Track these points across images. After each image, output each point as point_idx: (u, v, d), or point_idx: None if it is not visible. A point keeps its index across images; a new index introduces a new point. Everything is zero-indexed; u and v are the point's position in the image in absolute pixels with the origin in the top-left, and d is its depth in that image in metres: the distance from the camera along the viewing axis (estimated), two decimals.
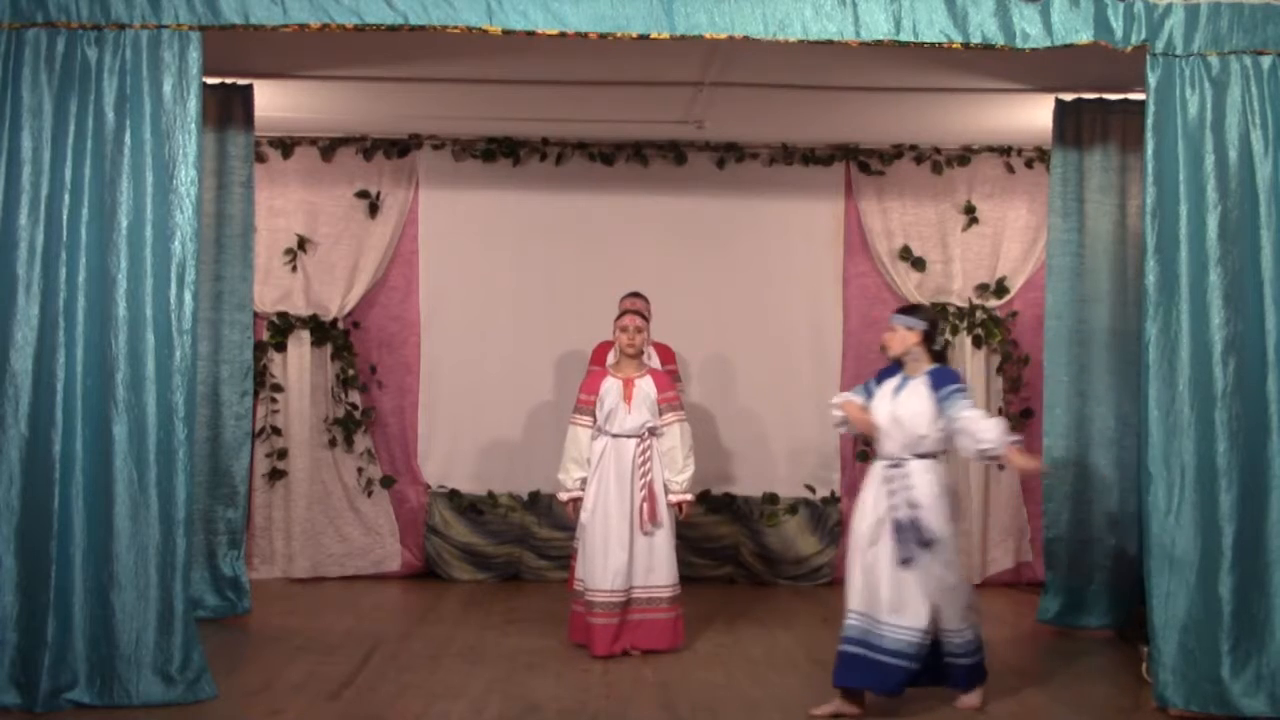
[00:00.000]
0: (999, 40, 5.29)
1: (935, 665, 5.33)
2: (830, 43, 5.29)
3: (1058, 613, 6.89)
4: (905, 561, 5.11)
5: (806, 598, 7.91)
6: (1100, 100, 6.79)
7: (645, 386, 6.37)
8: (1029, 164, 8.46)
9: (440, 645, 6.41)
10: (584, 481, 6.33)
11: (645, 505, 6.24)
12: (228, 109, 6.81)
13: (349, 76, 6.77)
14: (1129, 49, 5.34)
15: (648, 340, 6.73)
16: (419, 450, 8.39)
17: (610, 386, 6.38)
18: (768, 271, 8.44)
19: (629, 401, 6.32)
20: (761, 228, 8.50)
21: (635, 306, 6.94)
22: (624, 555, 6.20)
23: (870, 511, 5.25)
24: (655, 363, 7.06)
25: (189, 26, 5.20)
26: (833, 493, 8.47)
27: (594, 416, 6.38)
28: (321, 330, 8.29)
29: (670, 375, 6.99)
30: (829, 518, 8.43)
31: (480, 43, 5.51)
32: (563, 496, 6.44)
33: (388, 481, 8.35)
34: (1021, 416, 8.40)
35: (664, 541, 6.29)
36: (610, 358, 6.98)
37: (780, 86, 6.94)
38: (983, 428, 5.12)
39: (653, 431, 6.33)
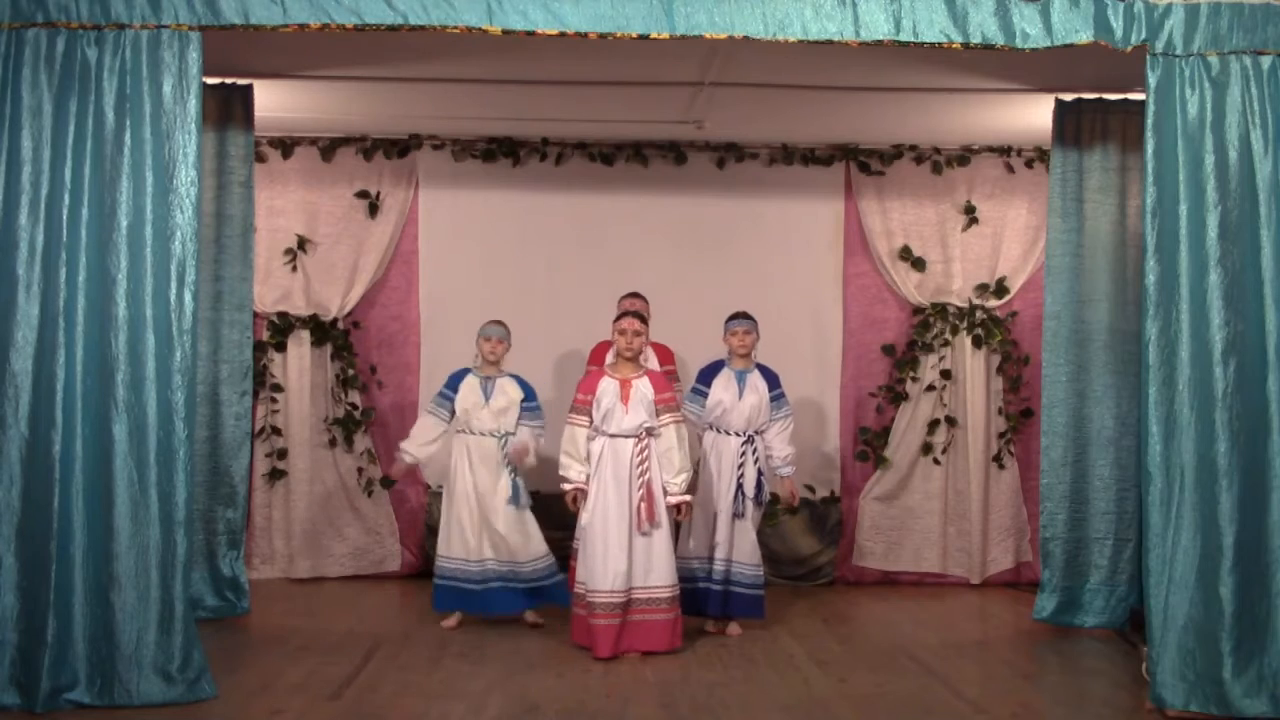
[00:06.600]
0: (999, 40, 5.29)
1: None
2: (830, 43, 5.29)
3: (1053, 611, 6.88)
4: (739, 515, 6.76)
5: (806, 598, 7.91)
6: (1100, 100, 6.79)
7: (642, 388, 6.37)
8: (1029, 164, 8.46)
9: (440, 645, 6.41)
10: (587, 476, 6.34)
11: (643, 505, 6.24)
12: (228, 109, 6.81)
13: (349, 76, 6.77)
14: (1129, 49, 5.34)
15: (646, 342, 6.73)
16: None
17: (607, 387, 6.38)
18: (768, 272, 8.44)
19: (626, 402, 6.32)
20: (761, 228, 8.51)
21: (635, 308, 6.96)
22: (624, 556, 6.20)
23: (730, 477, 6.72)
24: (654, 363, 7.06)
25: (189, 26, 5.20)
26: (833, 493, 8.48)
27: (590, 416, 6.38)
28: (321, 330, 8.30)
29: (668, 376, 7.00)
30: (829, 518, 8.44)
31: (480, 43, 5.52)
32: (565, 486, 6.43)
33: (388, 482, 8.35)
34: (1021, 416, 8.41)
35: (662, 542, 6.29)
36: (608, 358, 6.98)
37: (780, 86, 6.95)
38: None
39: (650, 432, 6.33)
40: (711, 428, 6.86)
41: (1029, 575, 8.26)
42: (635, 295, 7.45)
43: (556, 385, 8.29)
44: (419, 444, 6.95)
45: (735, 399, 6.81)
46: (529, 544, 6.82)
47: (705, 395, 6.87)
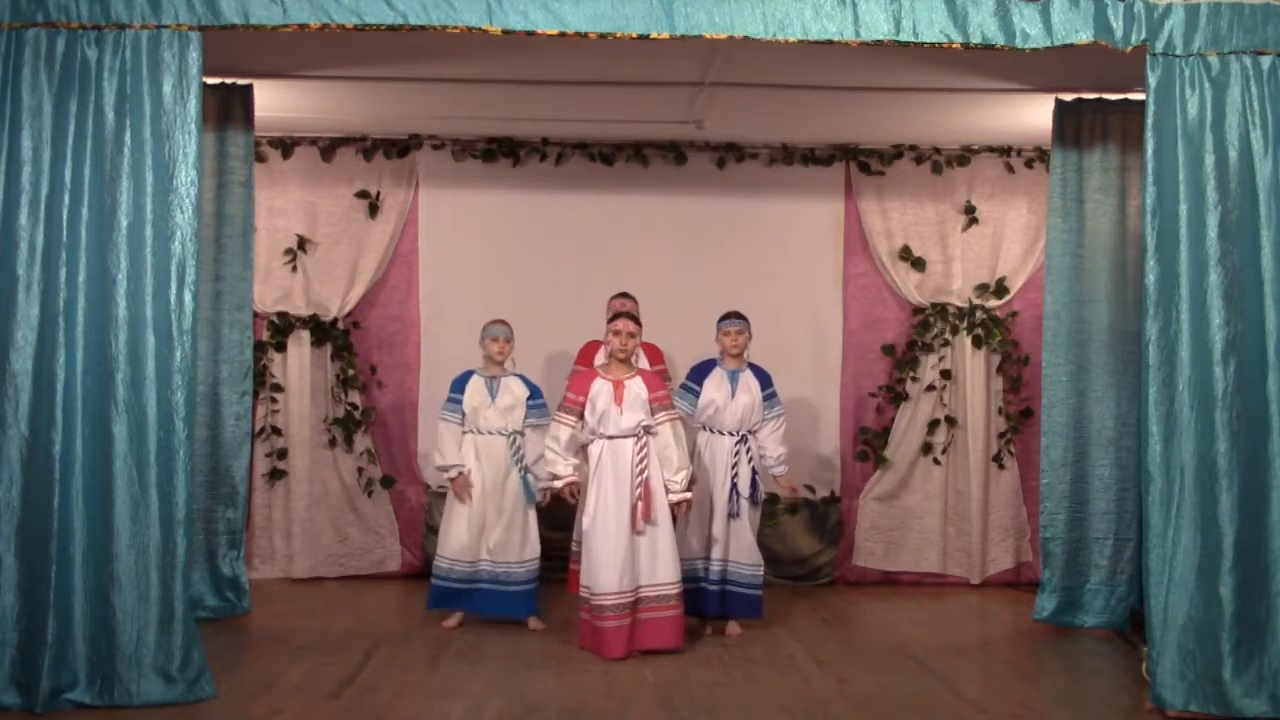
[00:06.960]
0: (999, 40, 5.29)
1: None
2: (830, 43, 5.29)
3: (1053, 612, 6.88)
4: (734, 514, 6.76)
5: (806, 598, 7.91)
6: (1100, 100, 6.79)
7: (636, 388, 6.37)
8: (1029, 164, 8.46)
9: (440, 645, 6.41)
10: (574, 467, 6.35)
11: (640, 504, 6.23)
12: (228, 109, 6.81)
13: (349, 76, 6.77)
14: (1129, 49, 5.34)
15: (639, 343, 6.74)
16: (419, 450, 8.39)
17: (601, 388, 6.38)
18: (768, 271, 8.44)
19: (620, 403, 6.32)
20: (761, 228, 8.51)
21: (628, 309, 6.97)
22: (628, 557, 6.19)
23: (724, 477, 6.73)
24: (644, 363, 7.06)
25: (189, 27, 5.20)
26: (833, 493, 8.48)
27: (580, 417, 6.38)
28: (321, 330, 8.30)
29: (659, 375, 7.00)
30: (829, 518, 8.44)
31: (480, 43, 5.52)
32: (557, 484, 6.44)
33: (388, 481, 8.35)
34: (1021, 416, 8.41)
35: (666, 540, 6.28)
36: (599, 358, 6.98)
37: (780, 86, 6.94)
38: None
39: (648, 430, 6.33)
40: (704, 428, 6.85)
41: (1029, 575, 8.26)
42: (625, 295, 7.45)
43: (556, 384, 8.28)
44: (457, 454, 6.88)
45: (728, 399, 6.80)
46: (526, 545, 6.85)
47: (695, 393, 6.86)
